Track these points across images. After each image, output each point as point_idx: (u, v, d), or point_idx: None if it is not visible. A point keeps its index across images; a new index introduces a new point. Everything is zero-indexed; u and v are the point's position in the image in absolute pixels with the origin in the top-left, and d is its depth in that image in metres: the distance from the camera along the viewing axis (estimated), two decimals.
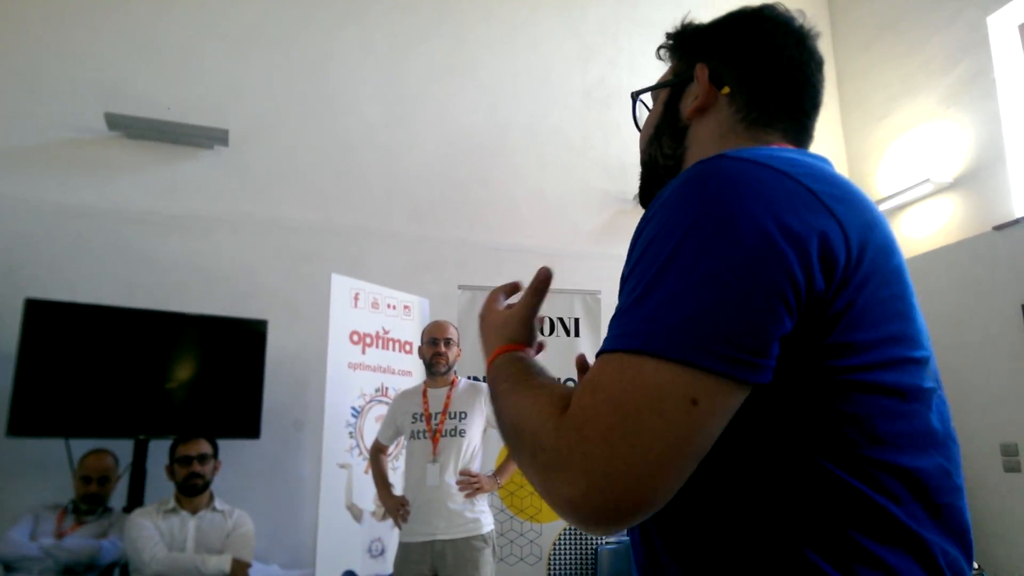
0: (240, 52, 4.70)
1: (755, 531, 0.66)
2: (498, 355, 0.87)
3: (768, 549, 0.65)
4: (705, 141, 0.86)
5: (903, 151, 5.42)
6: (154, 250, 4.21)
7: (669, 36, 0.96)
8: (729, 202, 0.64)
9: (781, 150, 0.78)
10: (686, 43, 0.93)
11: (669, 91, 0.93)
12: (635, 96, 1.01)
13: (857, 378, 0.65)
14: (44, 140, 4.19)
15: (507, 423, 0.74)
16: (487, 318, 0.95)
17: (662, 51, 0.98)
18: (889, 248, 0.71)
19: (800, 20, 0.88)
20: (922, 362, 0.70)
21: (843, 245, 0.65)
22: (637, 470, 0.58)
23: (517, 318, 0.91)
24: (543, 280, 0.92)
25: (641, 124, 1.00)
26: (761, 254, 0.61)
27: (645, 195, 0.97)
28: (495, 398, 0.81)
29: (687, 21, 0.95)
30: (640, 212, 0.87)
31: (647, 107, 1.00)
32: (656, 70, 1.01)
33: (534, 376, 0.79)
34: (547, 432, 0.64)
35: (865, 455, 0.65)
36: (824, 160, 0.80)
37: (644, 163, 0.97)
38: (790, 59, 0.86)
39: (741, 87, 0.85)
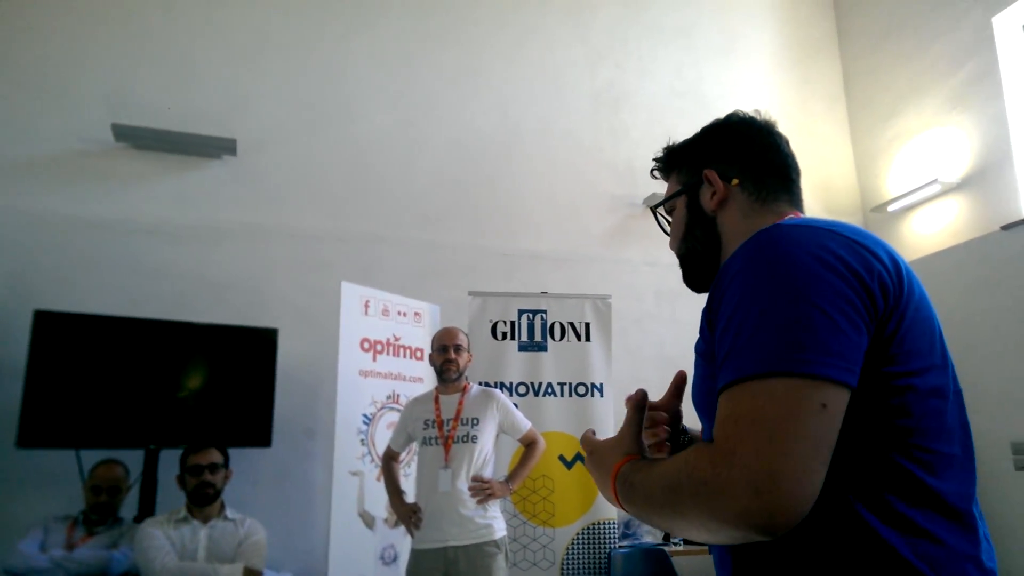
0: (247, 61, 4.71)
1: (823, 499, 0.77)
2: (620, 468, 0.95)
3: (831, 510, 0.79)
4: (733, 224, 1.08)
5: (911, 152, 5.41)
6: (163, 261, 4.21)
7: (664, 158, 1.20)
8: (801, 250, 0.81)
9: (808, 219, 0.97)
10: (685, 158, 1.16)
11: (686, 197, 1.14)
12: (655, 209, 1.24)
13: (909, 382, 0.82)
14: (51, 151, 4.20)
15: (658, 493, 0.83)
16: (594, 453, 1.04)
17: (657, 172, 1.23)
18: (913, 278, 0.89)
19: (760, 115, 1.14)
20: (948, 368, 0.88)
21: (888, 275, 0.83)
22: (792, 470, 0.70)
23: (627, 435, 1.01)
24: (640, 400, 1.03)
25: (668, 229, 1.21)
26: (845, 284, 0.79)
27: (694, 279, 1.16)
28: (634, 494, 0.90)
29: (670, 145, 1.20)
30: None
31: (663, 217, 1.23)
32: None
33: (662, 459, 0.90)
34: (702, 469, 0.75)
35: (912, 442, 0.82)
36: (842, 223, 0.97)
37: (683, 255, 1.16)
38: (768, 146, 1.10)
39: (745, 176, 1.08)
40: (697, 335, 0.96)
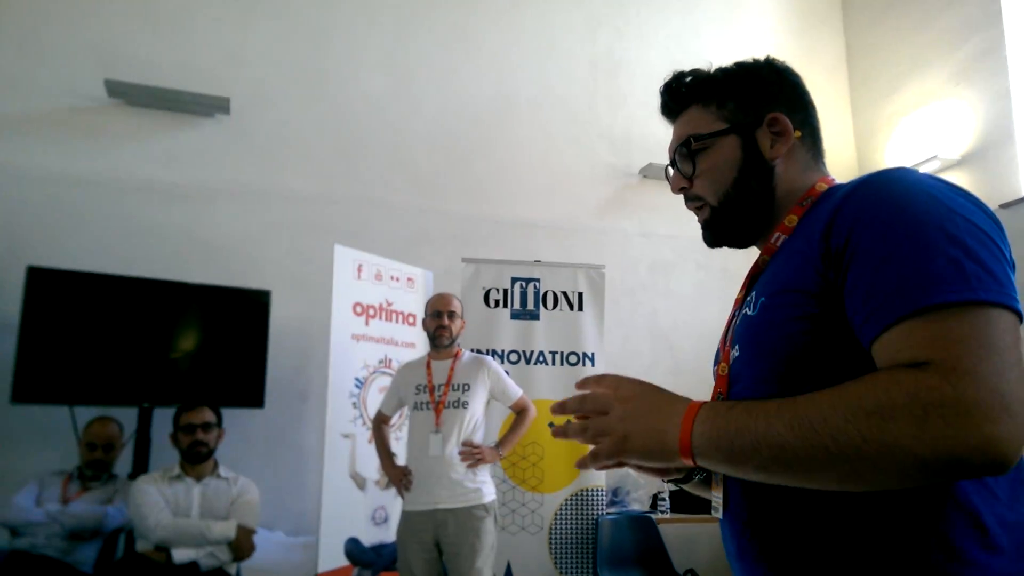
0: (242, 19, 4.64)
1: None
2: (697, 412, 0.80)
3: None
4: (793, 177, 0.99)
5: (911, 128, 5.38)
6: (155, 219, 4.19)
7: (696, 83, 1.04)
8: (949, 188, 0.78)
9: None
10: (733, 91, 1.01)
11: (738, 139, 1.00)
12: (684, 145, 1.03)
13: None
14: (44, 107, 4.15)
15: (836, 422, 0.69)
16: (635, 386, 0.88)
17: (673, 99, 1.06)
18: None
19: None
20: None
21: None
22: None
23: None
24: None
25: (696, 170, 1.04)
26: (994, 221, 0.77)
27: (730, 234, 1.03)
28: (751, 434, 0.75)
29: (699, 70, 1.05)
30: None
31: (682, 155, 1.05)
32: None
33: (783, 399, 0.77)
34: (937, 388, 0.66)
35: None
36: None
37: (725, 205, 1.01)
38: (811, 103, 1.04)
39: (806, 129, 1.01)
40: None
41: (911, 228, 0.74)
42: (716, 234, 1.05)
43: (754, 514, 0.88)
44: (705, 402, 0.82)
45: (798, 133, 0.99)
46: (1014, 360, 0.67)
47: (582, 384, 0.93)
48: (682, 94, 1.05)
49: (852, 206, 0.80)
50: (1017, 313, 0.71)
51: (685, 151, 1.03)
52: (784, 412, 0.73)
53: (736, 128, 1.00)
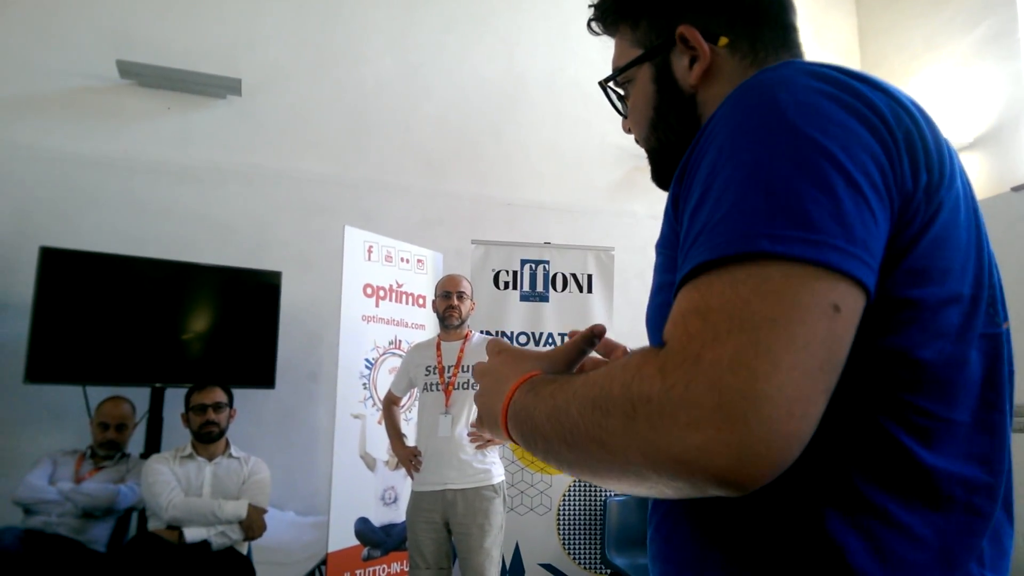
0: (254, 1, 4.63)
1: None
2: (520, 383, 0.68)
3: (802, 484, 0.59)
4: (719, 102, 0.75)
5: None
6: (166, 200, 4.20)
7: (606, 7, 0.85)
8: (807, 85, 0.58)
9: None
10: (644, 4, 0.82)
11: (651, 68, 0.81)
12: (606, 84, 0.89)
13: (917, 315, 0.59)
14: (56, 88, 4.16)
15: (571, 413, 0.57)
16: (490, 371, 0.76)
17: (595, 23, 0.88)
18: (955, 156, 0.64)
19: None
20: (982, 303, 0.66)
21: (921, 138, 0.59)
22: (787, 391, 0.47)
23: (559, 353, 0.74)
24: (598, 332, 0.77)
25: (626, 111, 0.89)
26: (871, 133, 0.56)
27: (666, 176, 0.85)
28: (534, 414, 0.63)
29: None
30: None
31: (614, 93, 0.90)
32: None
33: (578, 373, 0.66)
34: (645, 379, 0.51)
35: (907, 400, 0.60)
36: None
37: (653, 149, 0.86)
38: None
39: (736, 30, 0.77)
40: None
41: (719, 161, 0.56)
42: (658, 180, 0.89)
43: (657, 514, 0.75)
44: (532, 375, 0.68)
45: (724, 41, 0.77)
46: (779, 337, 0.48)
47: (487, 348, 0.82)
48: (603, 15, 0.87)
49: (702, 133, 0.63)
50: (850, 277, 0.51)
51: (612, 88, 0.88)
52: (551, 398, 0.61)
53: (648, 55, 0.81)
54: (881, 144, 0.55)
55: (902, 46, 5.60)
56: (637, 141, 0.89)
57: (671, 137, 0.82)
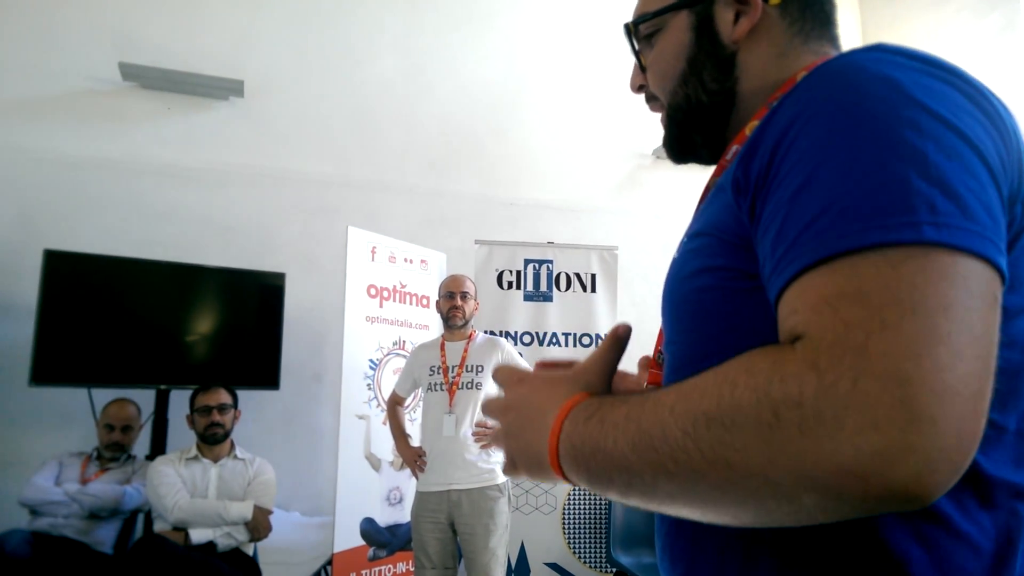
0: (256, 2, 4.63)
1: None
2: (570, 409, 0.59)
3: None
4: (762, 66, 0.72)
5: None
6: (170, 202, 4.21)
7: None
8: (917, 73, 0.52)
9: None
10: None
11: (690, 16, 0.74)
12: (634, 27, 0.79)
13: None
14: (59, 91, 4.17)
15: (674, 435, 0.49)
16: (517, 390, 0.68)
17: None
18: None
19: None
20: None
21: (1016, 140, 0.54)
22: (972, 384, 0.42)
23: (591, 366, 0.66)
24: (623, 333, 0.70)
25: (647, 61, 0.80)
26: (984, 130, 0.51)
27: (685, 143, 0.79)
28: (601, 450, 0.54)
29: None
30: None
31: (635, 43, 0.81)
32: None
33: (656, 389, 0.59)
34: (790, 379, 0.44)
35: None
36: None
37: (676, 106, 0.77)
38: None
39: None
40: None
41: (847, 137, 0.50)
42: (673, 146, 0.81)
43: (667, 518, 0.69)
44: (577, 400, 0.60)
45: (775, 1, 0.70)
46: (954, 324, 0.43)
47: (494, 376, 0.74)
48: None
49: (784, 113, 0.56)
50: (992, 264, 0.46)
51: (635, 37, 0.80)
52: (631, 422, 0.52)
53: (686, 1, 0.74)
54: (1003, 140, 0.52)
55: (906, 39, 5.52)
56: (649, 101, 0.82)
57: (701, 97, 0.75)
